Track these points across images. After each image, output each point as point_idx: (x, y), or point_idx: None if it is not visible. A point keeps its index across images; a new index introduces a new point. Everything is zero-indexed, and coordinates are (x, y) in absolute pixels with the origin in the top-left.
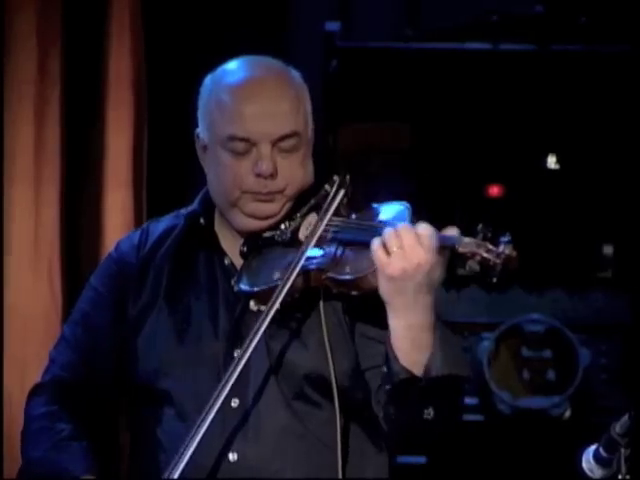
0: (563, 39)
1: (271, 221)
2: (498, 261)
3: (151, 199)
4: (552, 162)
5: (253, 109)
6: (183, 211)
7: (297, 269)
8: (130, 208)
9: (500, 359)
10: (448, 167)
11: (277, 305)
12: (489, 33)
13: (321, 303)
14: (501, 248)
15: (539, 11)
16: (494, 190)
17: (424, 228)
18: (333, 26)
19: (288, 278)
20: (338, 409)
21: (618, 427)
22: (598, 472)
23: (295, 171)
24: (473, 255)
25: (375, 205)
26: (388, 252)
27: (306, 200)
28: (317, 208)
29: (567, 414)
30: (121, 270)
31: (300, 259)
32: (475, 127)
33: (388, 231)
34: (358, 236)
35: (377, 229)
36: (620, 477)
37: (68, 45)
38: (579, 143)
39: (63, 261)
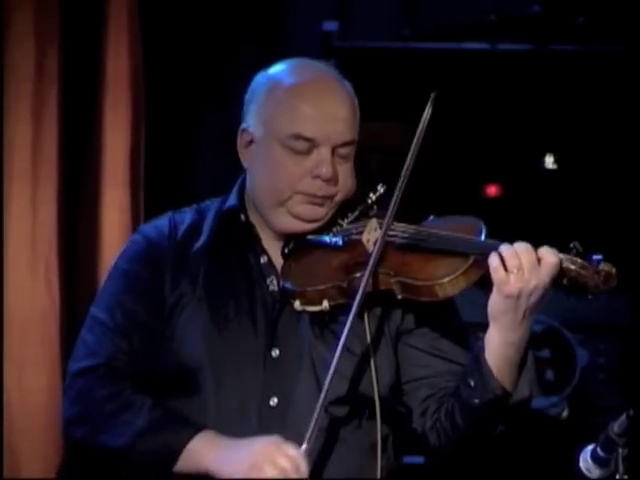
0: (560, 39)
1: (315, 225)
2: (598, 278)
3: (148, 199)
4: (550, 162)
5: (324, 110)
6: (203, 206)
7: (372, 269)
8: (127, 208)
9: None
10: (445, 167)
11: (360, 303)
12: (487, 33)
13: (365, 312)
14: (602, 265)
15: (537, 11)
16: (492, 190)
17: (548, 253)
18: (331, 26)
19: (368, 278)
20: (379, 415)
21: (616, 427)
22: (596, 472)
23: (347, 179)
24: (568, 271)
25: (440, 217)
26: (507, 270)
27: (350, 208)
28: (365, 215)
29: (565, 414)
30: (155, 254)
31: (375, 260)
32: (473, 127)
33: (508, 250)
34: (435, 244)
35: (461, 243)
36: (618, 477)
37: (66, 44)
38: (577, 143)
39: (60, 261)
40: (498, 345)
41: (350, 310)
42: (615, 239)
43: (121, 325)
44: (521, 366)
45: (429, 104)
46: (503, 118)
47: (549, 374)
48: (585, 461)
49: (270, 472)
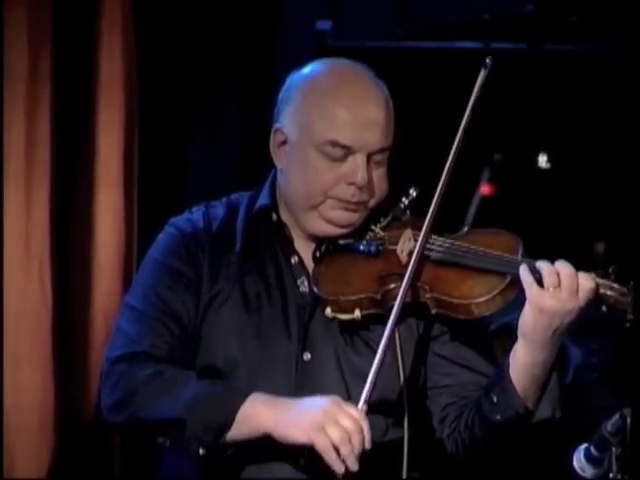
0: (555, 38)
1: (347, 230)
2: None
3: (142, 199)
4: (543, 161)
5: (361, 115)
6: (233, 199)
7: (408, 282)
8: (121, 208)
9: None
10: (439, 166)
11: (395, 320)
12: (480, 32)
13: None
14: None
15: (530, 10)
16: (485, 189)
17: (587, 279)
18: (324, 25)
19: (404, 294)
20: (407, 423)
21: (609, 426)
22: (589, 471)
23: (381, 185)
24: (607, 298)
25: (475, 229)
26: (544, 287)
27: (382, 212)
28: (398, 220)
29: (558, 413)
30: (192, 249)
31: (412, 272)
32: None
33: (548, 268)
34: (472, 261)
35: (499, 261)
36: (611, 476)
37: (59, 45)
38: (570, 142)
39: (54, 261)
40: (525, 364)
41: (383, 320)
42: (609, 238)
43: (161, 314)
44: (545, 385)
45: (483, 72)
46: (497, 117)
47: None
48: (579, 460)
49: (333, 432)
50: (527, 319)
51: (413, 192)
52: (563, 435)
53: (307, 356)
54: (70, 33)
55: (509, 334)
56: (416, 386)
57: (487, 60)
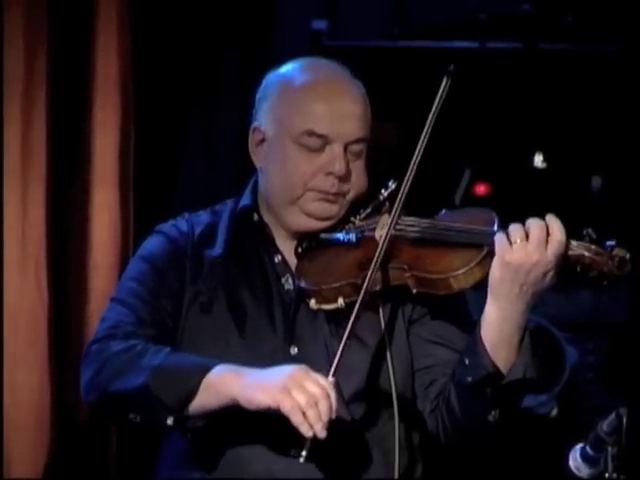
0: (550, 38)
1: (328, 223)
2: (612, 264)
3: (138, 199)
4: (539, 161)
5: (336, 107)
6: (218, 207)
7: (377, 264)
8: (117, 208)
9: None
10: (435, 165)
11: (364, 299)
12: (476, 32)
13: (380, 305)
14: (615, 251)
15: (526, 10)
16: (481, 189)
17: (557, 232)
18: (320, 25)
19: (374, 272)
20: (397, 410)
21: (605, 426)
22: (585, 471)
23: (360, 176)
24: (582, 258)
25: (451, 209)
26: (511, 242)
27: (362, 205)
28: (377, 211)
29: (554, 412)
30: (177, 253)
31: (380, 255)
32: (462, 125)
33: (515, 225)
34: (448, 236)
35: (474, 234)
36: (607, 476)
37: (55, 45)
38: (566, 142)
39: (50, 260)
40: (494, 320)
41: (362, 305)
42: (605, 237)
43: (144, 303)
44: (517, 348)
45: (445, 80)
46: (492, 117)
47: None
48: (575, 460)
49: (299, 395)
50: (494, 273)
51: (392, 184)
52: (559, 435)
53: (294, 350)
54: (66, 32)
55: None
56: (407, 374)
57: (450, 68)
